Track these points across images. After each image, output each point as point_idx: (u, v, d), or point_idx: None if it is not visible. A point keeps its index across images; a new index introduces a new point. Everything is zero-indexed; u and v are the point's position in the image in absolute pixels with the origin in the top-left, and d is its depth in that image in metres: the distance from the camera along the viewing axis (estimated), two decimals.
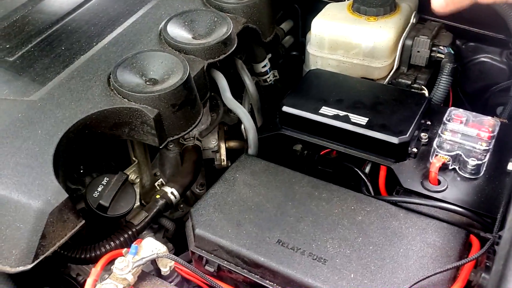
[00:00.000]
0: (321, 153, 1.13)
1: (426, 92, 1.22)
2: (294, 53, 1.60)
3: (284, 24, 1.59)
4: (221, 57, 1.11)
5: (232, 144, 1.32)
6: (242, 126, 1.16)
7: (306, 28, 1.34)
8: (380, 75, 1.25)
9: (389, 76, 1.23)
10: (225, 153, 1.30)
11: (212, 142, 1.29)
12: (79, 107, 0.96)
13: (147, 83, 1.02)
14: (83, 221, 0.87)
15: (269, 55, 1.38)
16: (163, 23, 1.14)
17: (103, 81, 1.01)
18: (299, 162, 1.16)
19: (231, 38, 1.12)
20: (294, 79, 1.47)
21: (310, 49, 1.30)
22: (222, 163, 1.29)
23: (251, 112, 1.26)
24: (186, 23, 1.15)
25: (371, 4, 1.24)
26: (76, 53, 1.09)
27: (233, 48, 1.12)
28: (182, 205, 1.30)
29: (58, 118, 0.93)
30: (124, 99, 0.97)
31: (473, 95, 1.45)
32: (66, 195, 0.84)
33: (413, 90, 1.23)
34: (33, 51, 1.10)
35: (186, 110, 1.02)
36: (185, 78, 0.99)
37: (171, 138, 1.02)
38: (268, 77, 1.38)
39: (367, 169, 1.08)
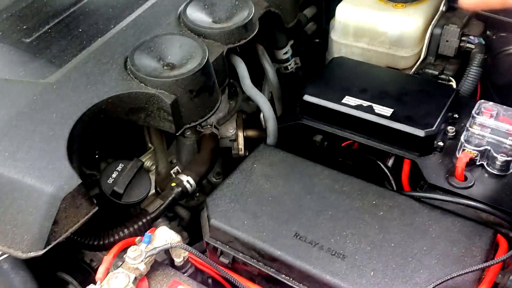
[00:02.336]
0: (342, 145, 1.09)
1: (454, 84, 1.17)
2: (317, 40, 1.55)
3: (307, 10, 1.54)
4: (241, 42, 1.07)
5: (251, 133, 1.29)
6: (261, 115, 1.13)
7: (330, 14, 1.30)
8: (407, 65, 1.20)
9: (415, 66, 1.19)
10: (243, 142, 1.27)
11: (230, 130, 1.26)
12: (95, 91, 0.93)
13: (165, 67, 0.99)
14: (97, 208, 0.86)
15: (291, 42, 1.34)
16: (182, 6, 1.11)
17: (120, 65, 0.98)
18: (319, 153, 1.13)
19: (252, 22, 1.08)
20: (316, 67, 1.43)
21: (334, 35, 1.26)
22: (240, 152, 1.26)
23: (271, 101, 1.23)
24: (206, 6, 1.12)
25: None
26: (93, 35, 1.06)
27: (254, 33, 1.09)
28: (198, 194, 1.27)
29: (74, 101, 0.91)
30: (141, 84, 0.95)
31: (503, 88, 1.39)
32: (80, 181, 0.82)
33: (440, 81, 1.18)
34: (50, 33, 1.08)
35: (204, 96, 0.99)
36: (204, 63, 0.96)
37: (188, 125, 1.00)
38: (290, 65, 1.35)
39: (390, 163, 1.04)
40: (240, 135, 1.27)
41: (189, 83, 0.95)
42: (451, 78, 1.18)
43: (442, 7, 1.19)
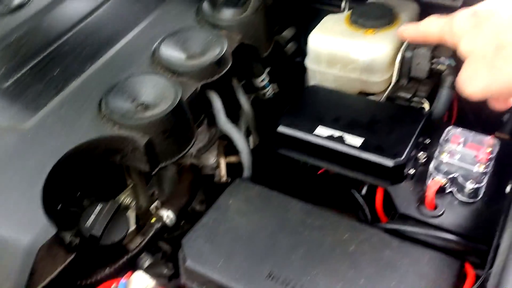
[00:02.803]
0: (318, 173, 1.11)
1: (427, 106, 1.19)
2: (298, 59, 1.57)
3: (286, 31, 1.56)
4: (214, 78, 1.09)
5: (233, 159, 1.31)
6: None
7: (308, 34, 1.32)
8: (379, 89, 1.22)
9: (388, 90, 1.20)
10: (225, 169, 1.29)
11: (211, 159, 1.28)
12: (69, 136, 0.95)
13: (139, 107, 1.01)
14: (73, 255, 0.87)
15: (268, 69, 1.35)
16: (156, 43, 1.13)
17: (94, 108, 1.00)
18: (296, 182, 1.14)
19: (225, 57, 1.10)
20: (299, 86, 1.44)
21: (308, 63, 1.28)
22: (222, 179, 1.28)
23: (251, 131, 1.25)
24: (179, 42, 1.14)
25: (369, 16, 1.21)
26: (68, 77, 1.08)
27: (227, 68, 1.11)
28: (182, 223, 1.29)
29: (48, 149, 0.93)
30: (115, 127, 0.96)
31: (480, 104, 1.40)
32: (55, 230, 0.84)
33: (413, 103, 1.20)
34: (27, 76, 1.09)
35: (178, 135, 1.01)
36: (176, 103, 0.98)
37: (163, 164, 1.02)
38: (267, 91, 1.36)
39: (365, 190, 1.06)
40: (222, 162, 1.29)
41: (162, 123, 0.97)
42: (424, 100, 1.19)
43: None
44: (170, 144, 1.00)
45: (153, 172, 1.00)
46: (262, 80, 1.34)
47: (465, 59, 0.77)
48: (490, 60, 0.72)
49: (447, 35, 0.80)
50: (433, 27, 0.84)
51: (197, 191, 1.22)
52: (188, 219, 1.30)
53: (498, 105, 0.85)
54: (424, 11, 1.27)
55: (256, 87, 1.35)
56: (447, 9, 1.13)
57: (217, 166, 1.29)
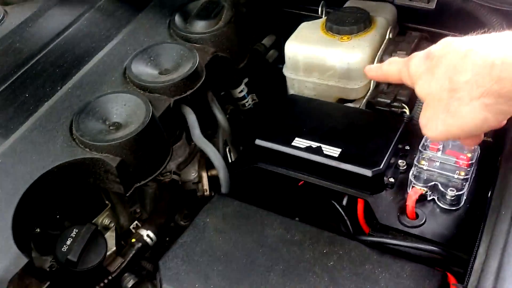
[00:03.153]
0: (299, 184, 1.09)
1: (407, 111, 1.17)
2: (281, 66, 1.55)
3: (266, 39, 1.55)
4: (188, 93, 1.07)
5: (215, 172, 1.28)
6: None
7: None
8: (358, 96, 1.20)
9: (367, 96, 1.19)
10: (207, 182, 1.27)
11: (192, 173, 1.26)
12: (41, 161, 0.93)
13: (111, 127, 0.99)
14: (48, 283, 0.85)
15: (246, 79, 1.34)
16: (127, 60, 1.11)
17: (65, 131, 0.98)
18: (279, 190, 1.12)
19: (198, 71, 1.08)
20: (281, 93, 1.42)
21: (286, 72, 1.26)
22: (205, 193, 1.26)
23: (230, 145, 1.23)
24: (151, 58, 1.12)
25: (344, 22, 1.19)
26: (40, 100, 1.06)
27: (200, 82, 1.09)
28: (167, 239, 1.27)
29: (19, 175, 0.91)
30: (86, 149, 0.94)
31: None
32: (26, 260, 0.81)
33: (394, 108, 1.18)
34: None
35: (151, 154, 0.99)
36: (147, 122, 0.96)
37: (138, 184, 0.99)
38: (247, 102, 1.35)
39: (345, 201, 1.04)
40: (204, 176, 1.27)
41: (134, 143, 0.94)
42: (404, 105, 1.17)
43: (389, 35, 1.19)
44: (144, 163, 0.98)
45: (128, 193, 0.97)
46: (241, 91, 1.32)
47: (423, 102, 0.77)
48: (445, 103, 0.71)
49: (405, 78, 0.80)
50: (393, 69, 0.84)
51: (179, 207, 1.20)
52: (172, 235, 1.28)
53: (466, 143, 0.84)
54: (401, 13, 1.26)
55: (235, 98, 1.33)
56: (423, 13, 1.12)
57: (199, 180, 1.27)
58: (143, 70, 1.09)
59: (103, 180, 0.97)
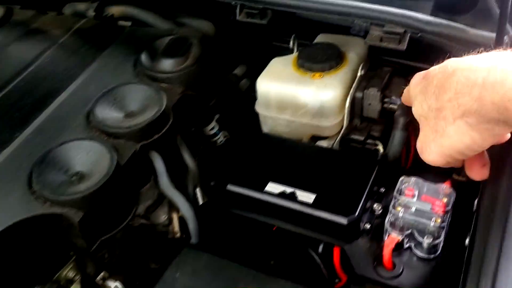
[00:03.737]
0: (273, 229, 1.05)
1: (381, 148, 1.14)
2: (253, 94, 1.52)
3: (238, 69, 1.51)
4: (155, 137, 1.03)
5: None
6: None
7: (260, 70, 1.27)
8: (332, 133, 1.17)
9: (340, 134, 1.16)
10: (178, 224, 1.22)
11: (162, 216, 1.20)
12: None
13: (73, 178, 0.93)
14: None
15: (217, 116, 1.30)
16: (91, 103, 1.06)
17: (23, 183, 0.92)
18: (253, 236, 1.08)
19: (165, 114, 1.04)
20: (255, 127, 1.39)
21: (259, 109, 1.22)
22: (176, 235, 1.21)
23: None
24: (116, 100, 1.07)
25: (316, 59, 1.16)
26: None
27: (168, 125, 1.05)
28: (138, 283, 1.22)
29: None
30: (46, 203, 0.89)
31: None
32: None
33: (367, 146, 1.16)
34: None
35: (117, 205, 0.94)
36: (112, 172, 0.91)
37: (104, 238, 0.94)
38: (218, 139, 1.30)
39: (321, 248, 1.00)
40: (175, 217, 1.21)
41: (98, 196, 0.89)
42: (377, 142, 1.15)
43: (361, 71, 1.16)
44: (109, 216, 0.93)
45: (92, 249, 0.92)
46: (212, 128, 1.28)
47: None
48: (433, 123, 0.69)
49: (407, 100, 0.79)
50: (404, 93, 0.83)
51: (148, 253, 1.15)
52: (142, 279, 1.23)
53: (470, 165, 0.79)
54: (372, 49, 1.24)
55: (206, 135, 1.29)
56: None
57: (169, 222, 1.22)
58: (108, 114, 1.04)
59: (64, 235, 0.91)
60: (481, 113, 0.64)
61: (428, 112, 0.70)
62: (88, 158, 0.95)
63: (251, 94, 1.49)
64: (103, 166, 0.93)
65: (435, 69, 0.73)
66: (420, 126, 0.74)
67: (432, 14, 1.21)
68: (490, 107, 0.62)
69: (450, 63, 0.70)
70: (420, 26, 0.96)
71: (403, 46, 0.99)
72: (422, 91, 0.72)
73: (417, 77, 0.76)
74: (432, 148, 0.72)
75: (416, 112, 0.74)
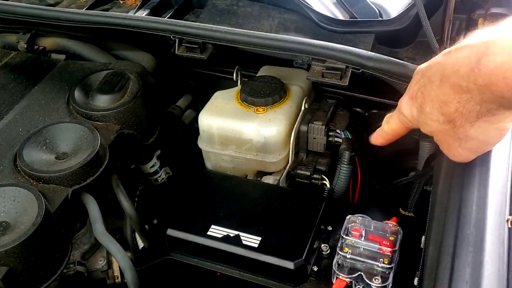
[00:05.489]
0: (218, 274, 1.00)
1: (327, 183, 1.12)
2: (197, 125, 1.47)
3: (181, 100, 1.46)
4: (88, 181, 0.96)
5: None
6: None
7: (205, 100, 1.23)
8: (277, 168, 1.14)
9: (286, 169, 1.13)
10: (118, 268, 1.14)
11: (99, 261, 1.12)
12: None
13: None
14: None
15: (158, 152, 1.24)
16: (19, 145, 0.99)
17: None
18: (196, 282, 1.03)
19: (99, 156, 0.98)
20: (199, 155, 1.34)
21: (201, 144, 1.18)
22: (117, 281, 1.13)
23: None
24: (47, 141, 1.00)
25: (259, 93, 1.14)
26: None
27: (102, 167, 0.98)
28: None
29: None
30: None
31: (384, 160, 1.37)
32: None
33: (314, 181, 1.13)
34: None
35: (46, 257, 0.87)
36: (39, 222, 0.83)
37: None
38: (160, 176, 1.24)
39: None
40: (114, 261, 1.14)
41: (24, 250, 0.82)
42: (323, 176, 1.13)
43: (304, 105, 1.14)
44: (37, 269, 0.85)
45: None
46: (152, 165, 1.22)
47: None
48: (452, 133, 0.69)
49: (408, 124, 0.77)
50: (394, 125, 0.80)
51: None
52: None
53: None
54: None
55: (146, 173, 1.23)
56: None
57: (109, 266, 1.14)
58: (37, 156, 0.97)
59: None
60: (494, 110, 0.65)
61: (440, 126, 0.70)
62: (13, 206, 0.87)
63: (194, 126, 1.46)
64: (30, 214, 0.85)
65: (413, 85, 0.73)
66: (439, 139, 0.73)
67: (373, 47, 1.22)
68: (498, 101, 0.63)
69: (429, 72, 0.70)
70: (361, 62, 0.94)
71: (345, 81, 0.97)
72: (419, 111, 0.72)
73: (404, 101, 0.75)
74: (461, 152, 0.72)
75: (425, 130, 0.74)
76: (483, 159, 0.73)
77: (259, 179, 1.16)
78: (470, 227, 0.64)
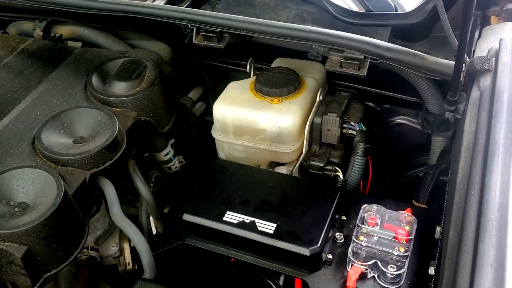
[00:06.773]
0: (232, 260, 1.01)
1: (340, 175, 1.13)
2: (208, 118, 1.48)
3: (193, 92, 1.47)
4: (106, 165, 0.97)
5: None
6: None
7: (216, 93, 1.24)
8: (291, 159, 1.15)
9: (299, 160, 1.14)
10: (130, 255, 1.15)
11: (112, 247, 1.13)
12: None
13: (16, 209, 0.86)
14: None
15: (172, 141, 1.25)
16: (37, 128, 0.99)
17: None
18: (211, 267, 1.03)
19: (117, 140, 0.98)
20: (209, 146, 1.35)
21: (215, 134, 1.19)
22: (128, 267, 1.14)
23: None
24: (65, 125, 1.01)
25: (274, 84, 1.14)
26: None
27: (120, 152, 0.99)
28: None
29: None
30: None
31: (394, 157, 1.38)
32: None
33: (326, 172, 1.14)
34: None
35: (64, 238, 0.87)
36: (58, 203, 0.84)
37: (48, 274, 0.87)
38: (173, 165, 1.25)
39: (282, 279, 0.96)
40: (126, 248, 1.14)
41: (42, 229, 0.82)
42: (337, 168, 1.14)
43: (319, 96, 1.15)
44: (55, 250, 0.86)
45: (36, 286, 0.85)
46: (167, 153, 1.23)
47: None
48: None
49: None
50: None
51: (98, 285, 1.08)
52: None
53: None
54: (330, 74, 1.23)
55: (160, 161, 1.23)
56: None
57: (121, 253, 1.14)
58: (55, 139, 0.97)
59: (6, 272, 0.83)
60: None
61: None
62: (32, 188, 0.88)
63: (204, 118, 1.46)
64: (49, 196, 0.86)
65: None
66: None
67: (389, 40, 1.23)
68: None
69: None
70: (380, 52, 0.95)
71: (363, 72, 0.98)
72: None
73: None
74: None
75: None
76: (506, 147, 0.73)
77: (271, 169, 1.17)
78: (494, 212, 0.64)
